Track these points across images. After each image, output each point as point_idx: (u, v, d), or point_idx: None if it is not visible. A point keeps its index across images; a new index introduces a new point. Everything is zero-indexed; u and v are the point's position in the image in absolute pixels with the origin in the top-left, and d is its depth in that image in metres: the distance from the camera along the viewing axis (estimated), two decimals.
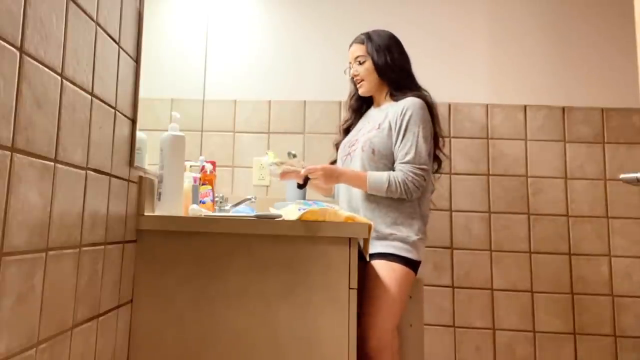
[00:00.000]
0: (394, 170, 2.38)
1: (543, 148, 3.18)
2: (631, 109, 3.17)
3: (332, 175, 2.36)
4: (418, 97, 2.45)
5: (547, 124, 3.20)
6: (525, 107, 3.21)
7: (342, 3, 3.37)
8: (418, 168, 2.33)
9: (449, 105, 3.21)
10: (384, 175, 2.33)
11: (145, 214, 1.82)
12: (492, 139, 3.20)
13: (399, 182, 2.31)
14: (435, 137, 2.51)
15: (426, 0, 3.34)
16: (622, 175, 1.89)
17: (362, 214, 2.40)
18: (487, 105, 3.22)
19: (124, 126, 1.68)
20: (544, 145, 3.18)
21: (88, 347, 1.46)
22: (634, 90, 3.14)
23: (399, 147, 2.39)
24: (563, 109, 3.20)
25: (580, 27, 3.27)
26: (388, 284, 2.27)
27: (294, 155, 2.55)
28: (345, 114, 2.81)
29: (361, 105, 2.72)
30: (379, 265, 2.32)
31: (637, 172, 1.84)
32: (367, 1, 3.35)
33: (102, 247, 1.53)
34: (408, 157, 2.34)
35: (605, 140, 3.17)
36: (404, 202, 2.38)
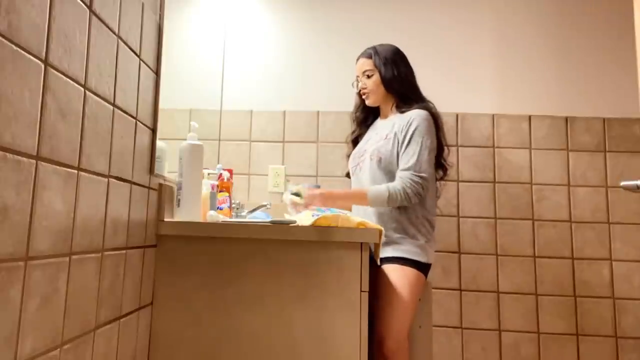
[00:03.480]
0: None
1: (547, 156, 3.15)
2: (631, 119, 3.14)
3: (328, 201, 2.35)
4: (424, 108, 2.46)
5: (550, 134, 3.17)
6: (529, 117, 3.19)
7: (352, 19, 3.36)
8: (417, 175, 2.32)
9: (457, 115, 3.19)
10: (381, 188, 2.32)
11: (165, 219, 1.81)
12: (497, 147, 3.17)
13: (398, 191, 2.29)
14: (440, 147, 2.51)
15: (434, 15, 3.33)
16: (622, 183, 1.87)
17: (375, 220, 2.40)
18: (493, 115, 3.20)
19: (144, 135, 1.68)
20: (548, 153, 3.15)
21: (110, 347, 1.44)
22: (634, 101, 3.11)
23: (402, 155, 2.38)
24: (566, 118, 3.18)
25: (583, 41, 3.25)
26: (401, 287, 2.26)
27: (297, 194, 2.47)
28: (353, 127, 2.79)
29: (367, 117, 2.71)
30: (391, 269, 2.30)
31: (637, 180, 1.83)
32: (377, 17, 3.34)
33: (124, 251, 1.52)
34: (408, 165, 2.34)
35: (607, 149, 3.14)
36: (412, 208, 2.37)
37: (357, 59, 2.64)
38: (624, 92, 3.16)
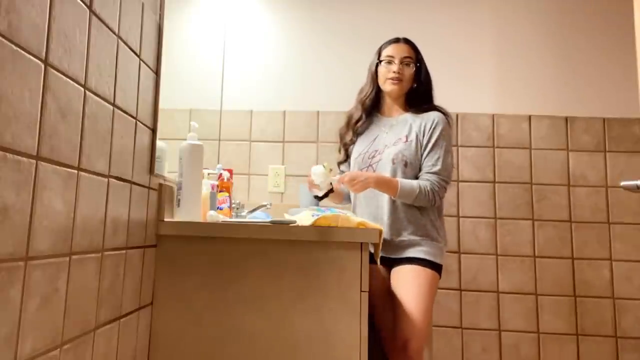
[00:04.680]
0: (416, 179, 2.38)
1: (547, 156, 3.15)
2: (631, 119, 3.14)
3: (358, 180, 2.26)
4: (441, 111, 2.46)
5: (550, 133, 3.17)
6: (529, 117, 3.19)
7: (352, 19, 3.36)
8: (443, 180, 2.35)
9: (457, 115, 3.19)
10: (414, 183, 2.31)
11: (165, 219, 1.81)
12: (497, 147, 3.18)
13: (427, 191, 2.30)
14: None
15: (433, 16, 3.33)
16: (622, 183, 1.87)
17: (389, 223, 2.37)
18: (493, 115, 3.21)
19: (144, 135, 1.67)
20: (548, 153, 3.15)
21: (110, 347, 1.44)
22: (634, 101, 3.11)
23: (426, 157, 2.38)
24: (566, 118, 3.18)
25: (583, 41, 3.25)
26: (423, 287, 2.25)
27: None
28: (357, 113, 2.61)
29: (373, 107, 2.60)
30: (413, 269, 2.29)
31: (637, 180, 1.82)
32: (376, 17, 3.34)
33: (124, 251, 1.52)
34: (435, 169, 2.35)
35: (607, 149, 3.14)
36: (432, 211, 2.38)
37: (395, 41, 2.54)
38: (624, 92, 3.16)
